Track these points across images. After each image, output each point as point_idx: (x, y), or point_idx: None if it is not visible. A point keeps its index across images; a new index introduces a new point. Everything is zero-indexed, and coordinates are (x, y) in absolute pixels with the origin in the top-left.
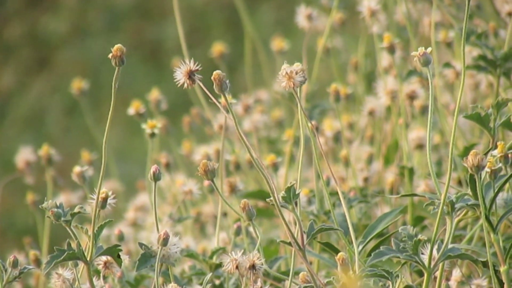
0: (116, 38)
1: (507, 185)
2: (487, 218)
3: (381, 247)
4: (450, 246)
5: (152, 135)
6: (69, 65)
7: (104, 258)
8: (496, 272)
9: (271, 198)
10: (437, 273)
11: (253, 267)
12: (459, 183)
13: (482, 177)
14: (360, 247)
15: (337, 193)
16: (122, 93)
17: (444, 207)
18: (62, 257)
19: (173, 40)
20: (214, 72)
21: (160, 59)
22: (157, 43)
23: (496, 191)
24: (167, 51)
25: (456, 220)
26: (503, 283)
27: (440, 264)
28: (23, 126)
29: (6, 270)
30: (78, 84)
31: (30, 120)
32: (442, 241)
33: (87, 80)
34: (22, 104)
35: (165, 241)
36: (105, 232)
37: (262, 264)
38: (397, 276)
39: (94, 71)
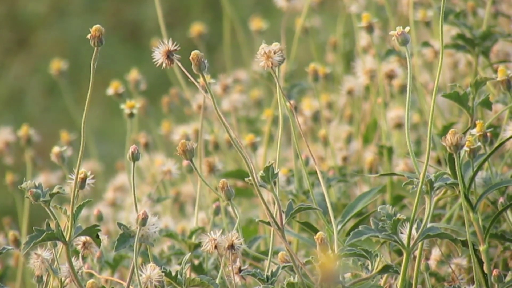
0: (95, 19)
1: (486, 164)
2: (466, 197)
3: (360, 227)
4: (429, 225)
5: (131, 115)
6: (48, 45)
7: (83, 238)
8: (476, 251)
9: (250, 178)
10: (416, 252)
11: (232, 247)
12: (438, 162)
13: (461, 156)
14: (339, 227)
15: (316, 172)
16: (101, 73)
17: (423, 186)
18: (41, 238)
19: (152, 21)
20: (193, 52)
21: (139, 40)
22: (136, 24)
23: (475, 170)
24: (146, 32)
25: (435, 199)
26: (483, 262)
27: (419, 244)
28: (2, 106)
29: None
30: (57, 65)
31: (9, 101)
32: (421, 220)
33: (66, 61)
34: (1, 84)
35: (144, 221)
36: (84, 212)
37: (241, 244)
38: (376, 255)
39: (73, 51)
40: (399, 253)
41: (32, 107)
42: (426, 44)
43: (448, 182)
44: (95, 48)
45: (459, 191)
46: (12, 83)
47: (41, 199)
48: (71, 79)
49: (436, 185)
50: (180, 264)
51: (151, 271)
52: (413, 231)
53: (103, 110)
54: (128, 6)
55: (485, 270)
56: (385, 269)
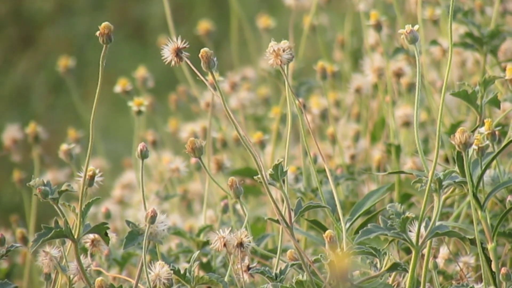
0: (101, 16)
1: (494, 162)
2: (474, 196)
3: (368, 225)
4: (437, 223)
5: (139, 112)
6: (54, 43)
7: (91, 236)
8: (484, 249)
9: (259, 176)
10: (425, 251)
11: (240, 244)
12: (446, 160)
13: (470, 154)
14: (348, 225)
15: (324, 170)
16: (106, 70)
17: (432, 185)
18: (49, 235)
19: (157, 18)
20: (202, 50)
21: (145, 37)
22: (142, 21)
23: (483, 168)
24: (152, 29)
25: (443, 197)
26: (491, 261)
27: (428, 242)
28: (8, 103)
29: None
30: (64, 62)
31: (15, 98)
32: (429, 218)
33: (72, 58)
34: (7, 81)
35: (152, 219)
36: (92, 210)
37: (249, 242)
38: (385, 253)
39: (79, 49)
40: (408, 251)
41: (38, 104)
42: (434, 42)
43: (457, 180)
44: (104, 46)
45: (468, 190)
46: (18, 80)
47: (49, 196)
48: (76, 76)
49: (444, 183)
50: (188, 262)
51: (160, 269)
52: (422, 229)
53: (109, 107)
54: (133, 3)
55: (493, 268)
56: (394, 267)
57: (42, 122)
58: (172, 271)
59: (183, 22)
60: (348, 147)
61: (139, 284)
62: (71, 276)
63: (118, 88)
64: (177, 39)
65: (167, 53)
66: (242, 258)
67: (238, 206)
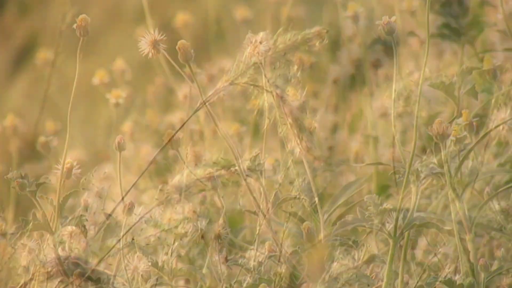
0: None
1: (472, 153)
2: (452, 187)
3: (346, 216)
4: (415, 214)
5: (117, 104)
6: (32, 34)
7: (69, 228)
8: (462, 240)
9: (236, 168)
10: (403, 242)
11: (218, 236)
12: (424, 151)
13: (447, 145)
14: (326, 216)
15: (302, 162)
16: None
17: (409, 176)
18: (27, 228)
19: (134, 9)
20: (179, 42)
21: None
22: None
23: (461, 159)
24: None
25: (421, 188)
26: (469, 252)
27: (406, 233)
28: None
29: None
30: (43, 54)
31: None
32: (407, 209)
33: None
34: None
35: (130, 211)
36: (70, 202)
37: (227, 234)
38: (363, 245)
39: (55, 39)
40: (386, 243)
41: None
42: (411, 33)
43: (435, 171)
44: (81, 38)
45: (445, 181)
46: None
47: (27, 189)
48: (56, 68)
49: (422, 174)
50: (166, 254)
51: (138, 261)
52: (400, 220)
53: (87, 99)
54: None
55: (471, 259)
56: (371, 258)
57: (21, 114)
58: (150, 264)
59: (160, 13)
60: (326, 139)
61: (117, 277)
62: (49, 269)
63: (96, 80)
64: (154, 31)
65: (145, 45)
66: (220, 250)
67: (216, 198)
